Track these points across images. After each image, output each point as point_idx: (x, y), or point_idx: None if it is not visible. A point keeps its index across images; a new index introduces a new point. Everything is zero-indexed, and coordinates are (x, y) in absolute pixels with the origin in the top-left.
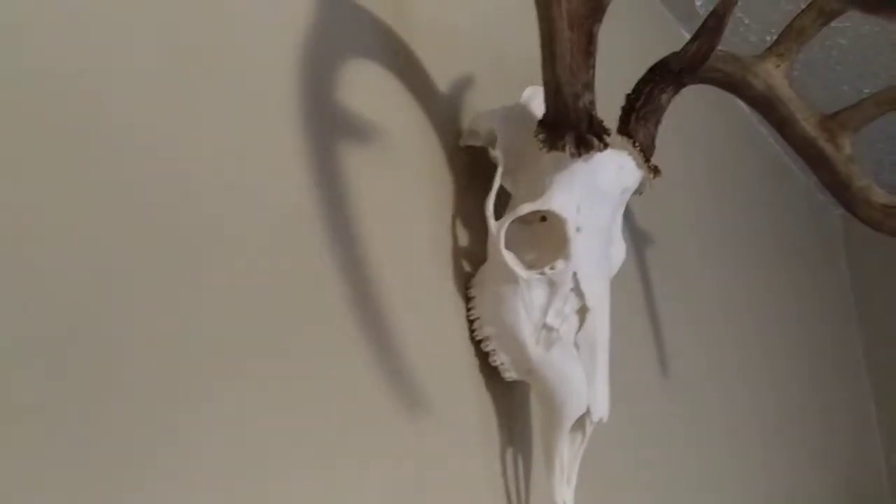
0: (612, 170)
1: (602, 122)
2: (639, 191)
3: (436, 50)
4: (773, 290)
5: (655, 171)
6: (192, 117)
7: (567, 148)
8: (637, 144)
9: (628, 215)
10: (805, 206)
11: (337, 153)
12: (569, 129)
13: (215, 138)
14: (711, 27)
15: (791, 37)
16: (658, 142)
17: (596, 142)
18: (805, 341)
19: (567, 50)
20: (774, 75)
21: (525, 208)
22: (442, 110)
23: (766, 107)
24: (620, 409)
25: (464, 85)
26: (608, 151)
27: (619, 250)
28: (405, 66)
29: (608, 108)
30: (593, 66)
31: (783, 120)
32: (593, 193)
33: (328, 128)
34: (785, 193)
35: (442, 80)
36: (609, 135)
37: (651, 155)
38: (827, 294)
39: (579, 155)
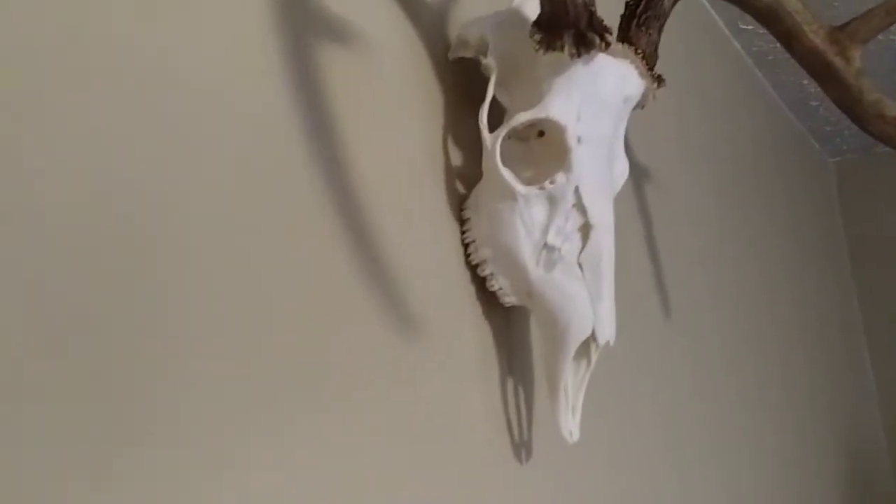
0: (615, 76)
1: (603, 20)
2: (641, 104)
3: None
4: (768, 236)
5: (659, 80)
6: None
7: (566, 48)
8: (640, 52)
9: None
10: (799, 153)
11: (318, 71)
12: (567, 26)
13: (191, 59)
14: None
15: None
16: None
17: (597, 39)
18: (800, 288)
19: None
20: None
21: (521, 117)
22: (429, 22)
23: (772, 18)
24: (622, 339)
25: None
26: (609, 58)
27: (622, 166)
28: None
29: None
30: None
31: (789, 32)
32: (595, 101)
33: (308, 45)
34: (780, 140)
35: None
36: (611, 34)
37: (654, 63)
38: (821, 240)
39: (579, 55)
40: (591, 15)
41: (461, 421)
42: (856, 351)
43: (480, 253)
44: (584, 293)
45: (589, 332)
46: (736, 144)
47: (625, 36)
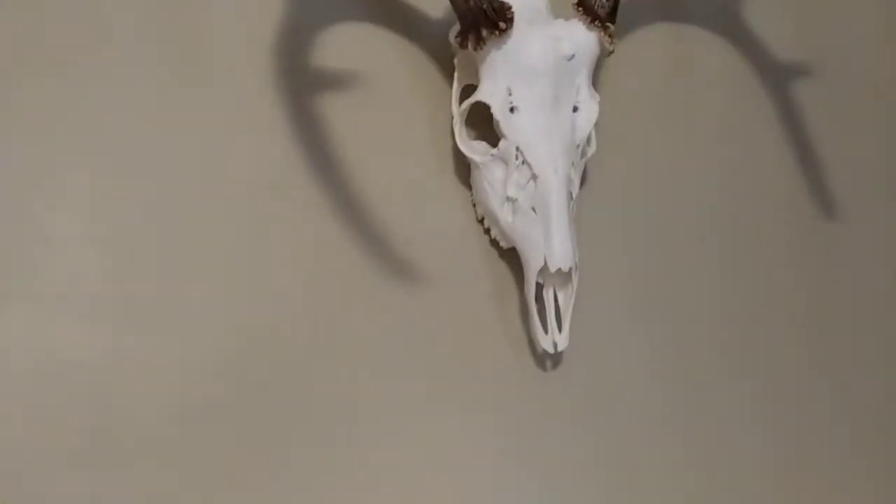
0: (539, 45)
1: (501, 7)
2: (605, 52)
3: None
4: None
5: (604, 28)
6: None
7: (469, 46)
8: (581, 8)
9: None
10: None
11: (350, 97)
12: (470, 27)
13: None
14: None
15: None
16: None
17: (486, 32)
18: None
19: None
20: None
21: (465, 105)
22: (439, 35)
23: None
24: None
25: None
26: (530, 29)
27: (586, 113)
28: (397, 15)
29: None
30: None
31: None
32: (523, 72)
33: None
34: None
35: (439, 8)
36: (508, 19)
37: (604, 14)
38: None
39: (480, 48)
40: (484, 13)
41: (488, 339)
42: None
43: (479, 211)
44: (538, 232)
45: (542, 264)
46: None
47: None
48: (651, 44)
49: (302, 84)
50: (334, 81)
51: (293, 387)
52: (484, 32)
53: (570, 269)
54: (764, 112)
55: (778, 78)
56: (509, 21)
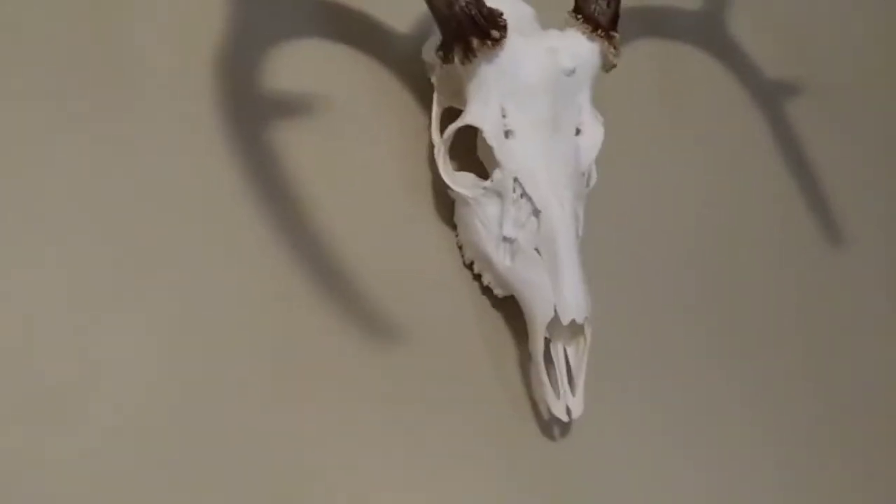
0: (535, 58)
1: (492, 14)
2: (606, 66)
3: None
4: None
5: (608, 38)
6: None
7: (456, 59)
8: (580, 17)
9: None
10: None
11: (311, 126)
12: (456, 37)
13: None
14: None
15: None
16: None
17: (476, 42)
18: None
19: None
20: None
21: (449, 131)
22: (410, 53)
23: None
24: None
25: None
26: (524, 41)
27: (590, 135)
28: (358, 30)
29: None
30: None
31: None
32: (518, 90)
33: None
34: None
35: (406, 22)
36: (501, 27)
37: (606, 23)
38: None
39: (469, 62)
40: (473, 19)
41: (488, 406)
42: None
43: (467, 254)
44: (544, 277)
45: (551, 315)
46: None
47: (576, 3)
48: (638, 61)
49: (250, 110)
50: (289, 107)
51: (248, 461)
52: (474, 43)
53: (584, 320)
54: (758, 130)
55: (769, 94)
56: (503, 29)
